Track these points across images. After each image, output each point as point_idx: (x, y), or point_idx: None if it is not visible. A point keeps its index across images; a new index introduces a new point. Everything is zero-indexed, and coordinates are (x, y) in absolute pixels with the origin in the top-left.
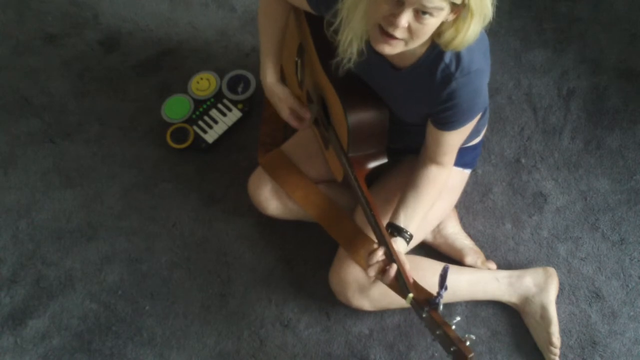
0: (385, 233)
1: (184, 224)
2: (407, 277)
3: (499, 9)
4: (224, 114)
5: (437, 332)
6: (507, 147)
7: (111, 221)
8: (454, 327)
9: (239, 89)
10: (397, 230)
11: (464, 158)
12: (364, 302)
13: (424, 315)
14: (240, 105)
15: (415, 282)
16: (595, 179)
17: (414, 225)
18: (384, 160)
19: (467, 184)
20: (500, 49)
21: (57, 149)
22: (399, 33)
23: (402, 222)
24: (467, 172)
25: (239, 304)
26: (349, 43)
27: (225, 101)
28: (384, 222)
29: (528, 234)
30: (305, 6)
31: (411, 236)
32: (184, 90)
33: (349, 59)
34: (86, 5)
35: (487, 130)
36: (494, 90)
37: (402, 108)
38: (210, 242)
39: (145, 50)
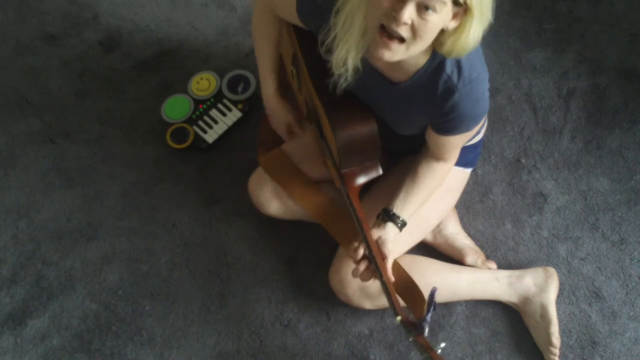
0: (377, 252)
1: (184, 224)
2: (395, 298)
3: (499, 9)
4: (224, 114)
5: (424, 356)
6: (507, 147)
7: (111, 221)
8: (439, 351)
9: (239, 89)
10: (389, 215)
11: (465, 157)
12: (364, 301)
13: (410, 339)
14: (240, 105)
15: (401, 307)
16: (595, 179)
17: (407, 213)
18: (379, 173)
19: (467, 184)
20: (500, 49)
21: (57, 149)
22: (403, 30)
23: (395, 207)
24: (467, 171)
25: (239, 304)
26: (344, 60)
27: (225, 101)
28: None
29: (528, 234)
30: (296, 21)
31: (403, 222)
32: (184, 90)
33: (345, 78)
34: (86, 5)
35: (487, 130)
36: (494, 90)
37: (401, 122)
38: (210, 242)
39: (145, 50)
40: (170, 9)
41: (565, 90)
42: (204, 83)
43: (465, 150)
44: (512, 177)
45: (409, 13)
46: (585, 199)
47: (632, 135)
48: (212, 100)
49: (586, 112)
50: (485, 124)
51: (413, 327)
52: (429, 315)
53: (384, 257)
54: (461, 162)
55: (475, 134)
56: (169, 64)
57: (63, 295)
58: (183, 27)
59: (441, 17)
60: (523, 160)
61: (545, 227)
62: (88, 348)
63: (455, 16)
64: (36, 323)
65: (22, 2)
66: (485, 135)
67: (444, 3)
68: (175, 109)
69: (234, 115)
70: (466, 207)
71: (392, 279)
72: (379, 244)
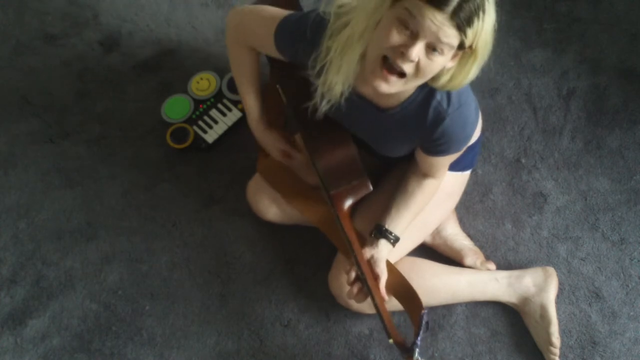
0: (369, 273)
1: (184, 224)
2: (388, 320)
3: (499, 8)
4: (224, 114)
5: None
6: (507, 147)
7: (111, 221)
8: None
9: None
10: (381, 232)
11: (462, 161)
12: (363, 305)
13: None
14: (240, 105)
15: (394, 330)
16: (595, 179)
17: (400, 228)
18: (369, 190)
19: (467, 184)
20: (500, 49)
21: (57, 149)
22: (407, 67)
23: (387, 224)
24: (466, 173)
25: (239, 304)
26: (333, 83)
27: (225, 101)
28: None
29: (528, 234)
30: (273, 52)
31: (396, 238)
32: (184, 90)
33: (328, 101)
34: (86, 5)
35: (487, 130)
36: (494, 90)
37: (388, 147)
38: (210, 242)
39: (145, 50)
40: (170, 9)
41: (565, 90)
42: (204, 83)
43: (462, 154)
44: (512, 177)
45: (417, 51)
46: (585, 199)
47: (632, 135)
48: (212, 100)
49: (586, 112)
50: (480, 126)
51: (404, 349)
52: (419, 338)
53: (376, 277)
54: (459, 166)
55: None
56: (169, 64)
57: (63, 295)
58: (183, 27)
59: (445, 59)
60: (523, 160)
61: (545, 227)
62: (88, 348)
63: (454, 56)
64: (36, 323)
65: (22, 2)
66: (485, 135)
67: (452, 47)
68: (175, 109)
69: (234, 115)
70: (466, 207)
71: (386, 298)
72: (371, 263)
